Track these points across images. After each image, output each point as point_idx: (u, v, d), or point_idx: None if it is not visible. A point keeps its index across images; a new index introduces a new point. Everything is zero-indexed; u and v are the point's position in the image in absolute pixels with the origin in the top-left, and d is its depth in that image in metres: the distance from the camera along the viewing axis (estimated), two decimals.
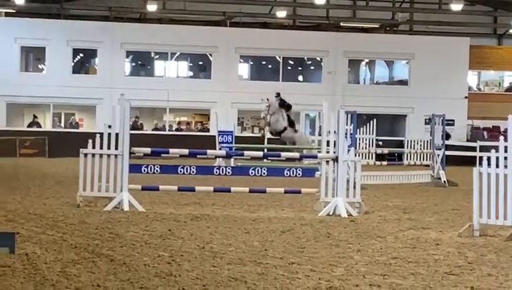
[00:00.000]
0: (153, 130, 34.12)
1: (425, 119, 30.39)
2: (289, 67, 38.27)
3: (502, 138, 11.45)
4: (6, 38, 32.40)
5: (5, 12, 33.17)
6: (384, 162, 22.15)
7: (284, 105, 20.71)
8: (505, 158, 10.62)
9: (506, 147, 10.58)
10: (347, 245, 9.54)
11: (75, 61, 35.03)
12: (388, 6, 38.54)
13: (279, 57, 37.71)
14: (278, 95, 20.69)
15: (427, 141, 21.90)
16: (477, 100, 37.02)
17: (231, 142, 25.30)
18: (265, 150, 22.31)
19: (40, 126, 33.29)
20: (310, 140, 24.16)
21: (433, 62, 36.37)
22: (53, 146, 30.37)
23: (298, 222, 11.65)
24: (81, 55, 35.97)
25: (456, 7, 35.53)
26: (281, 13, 36.21)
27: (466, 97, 36.11)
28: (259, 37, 35.74)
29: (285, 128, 20.54)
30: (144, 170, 13.75)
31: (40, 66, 35.55)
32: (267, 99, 20.53)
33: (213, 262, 7.68)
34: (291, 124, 20.95)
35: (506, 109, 27.26)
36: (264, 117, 20.67)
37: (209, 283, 6.65)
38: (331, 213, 12.56)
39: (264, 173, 14.90)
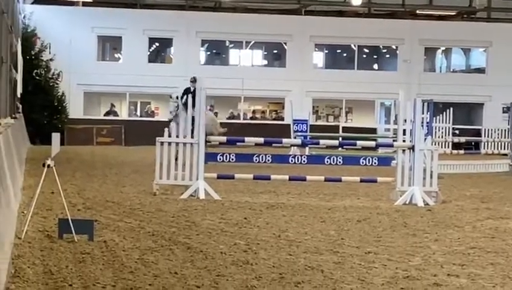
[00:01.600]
0: (227, 118, 33.85)
1: (503, 108, 28.90)
2: (364, 56, 37.52)
3: None
4: (84, 28, 32.58)
5: (82, 2, 33.47)
6: (461, 151, 21.41)
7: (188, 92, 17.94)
8: None
9: None
10: (424, 235, 9.42)
11: (150, 50, 35.52)
12: None
13: (354, 45, 36.98)
14: (194, 80, 18.68)
15: (505, 130, 21.13)
16: None
17: (306, 131, 25.01)
18: (341, 138, 22.08)
19: (116, 115, 33.61)
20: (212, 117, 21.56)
21: None
22: (129, 135, 30.74)
23: (374, 211, 11.55)
24: (157, 44, 36.22)
25: None
26: (356, 1, 35.46)
27: None
28: (334, 25, 35.09)
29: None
30: (220, 159, 13.97)
31: (116, 55, 35.99)
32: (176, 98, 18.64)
33: (289, 251, 7.72)
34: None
35: None
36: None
37: (285, 272, 6.69)
38: (407, 202, 12.45)
39: (339, 162, 14.92)
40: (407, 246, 8.27)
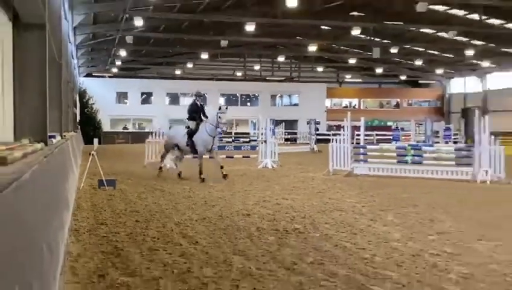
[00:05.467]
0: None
1: (307, 121, 40.69)
2: (242, 99, 66.35)
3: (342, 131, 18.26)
4: (109, 88, 55.96)
5: (108, 76, 56.20)
6: (289, 142, 39.32)
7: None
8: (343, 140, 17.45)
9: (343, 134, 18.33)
10: (271, 181, 15.75)
11: (142, 98, 58.74)
12: None
13: (238, 94, 58.82)
14: (200, 95, 17.08)
15: (308, 132, 37.92)
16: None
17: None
18: (234, 136, 32.15)
19: (127, 129, 55.71)
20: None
21: None
22: (133, 138, 47.46)
23: (248, 169, 18.30)
24: (145, 95, 59.21)
25: None
26: (239, 72, 46.12)
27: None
28: (229, 85, 60.73)
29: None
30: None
31: (125, 101, 58.90)
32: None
33: (210, 191, 12.53)
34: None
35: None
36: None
37: (208, 200, 11.71)
38: (264, 166, 20.40)
39: (232, 149, 25.87)
40: (264, 186, 13.82)
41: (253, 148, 24.63)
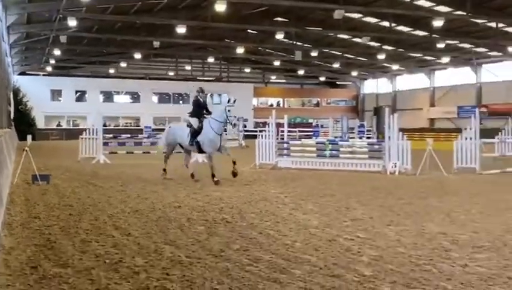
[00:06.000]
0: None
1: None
2: (175, 97, 63.92)
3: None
4: (44, 86, 54.07)
5: (43, 74, 54.54)
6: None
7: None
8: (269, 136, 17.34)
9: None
10: (202, 174, 15.15)
11: (76, 96, 57.06)
12: None
13: (170, 92, 57.90)
14: (202, 91, 14.64)
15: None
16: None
17: (151, 130, 36.88)
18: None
19: (60, 126, 54.74)
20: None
21: None
22: (67, 135, 48.01)
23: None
24: (79, 93, 57.18)
25: None
26: (171, 72, 46.16)
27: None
28: (159, 84, 59.92)
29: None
30: (110, 144, 19.40)
31: (60, 98, 56.50)
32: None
33: (143, 184, 12.22)
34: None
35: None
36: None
37: (139, 193, 11.25)
38: (198, 161, 19.55)
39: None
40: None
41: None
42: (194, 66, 55.88)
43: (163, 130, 58.23)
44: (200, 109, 14.16)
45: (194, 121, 14.05)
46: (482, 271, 5.48)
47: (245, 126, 39.40)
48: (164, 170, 14.36)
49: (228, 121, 13.76)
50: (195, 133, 13.92)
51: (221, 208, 9.41)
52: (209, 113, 14.21)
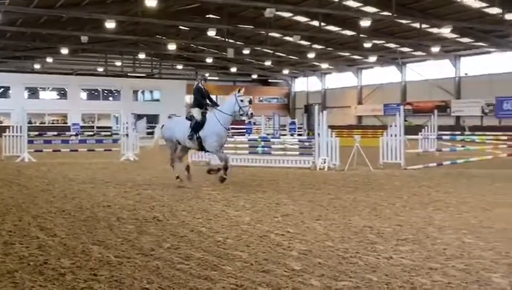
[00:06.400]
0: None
1: (168, 116, 42.69)
2: (104, 94, 65.47)
3: None
4: None
5: None
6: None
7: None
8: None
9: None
10: (134, 172, 15.10)
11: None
12: None
13: (100, 89, 62.69)
14: (205, 79, 12.80)
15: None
16: None
17: (79, 127, 36.77)
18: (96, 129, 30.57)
19: None
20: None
21: None
22: None
23: (112, 162, 15.59)
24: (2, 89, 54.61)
25: None
26: (100, 68, 45.83)
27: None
28: (90, 79, 57.73)
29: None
30: (35, 142, 18.98)
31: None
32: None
33: (70, 183, 11.85)
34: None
35: None
36: None
37: (66, 192, 10.89)
38: (126, 159, 19.26)
39: (93, 142, 23.38)
40: (125, 178, 12.58)
41: (115, 141, 23.82)
42: (124, 62, 54.63)
43: (92, 127, 57.31)
44: (202, 99, 12.32)
45: (196, 112, 12.19)
46: (406, 263, 5.70)
47: None
48: (177, 177, 12.28)
49: (243, 113, 12.06)
50: (197, 125, 12.06)
51: (152, 207, 9.28)
52: (214, 104, 12.51)
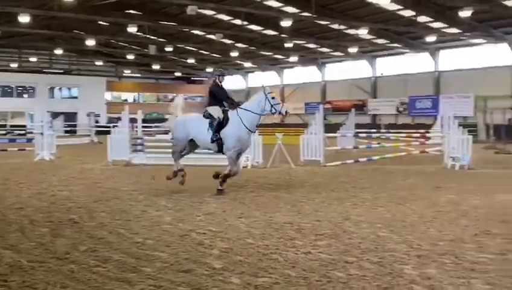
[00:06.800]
0: None
1: (87, 114, 42.64)
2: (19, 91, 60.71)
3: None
4: None
5: None
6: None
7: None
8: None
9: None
10: (49, 173, 14.71)
11: None
12: None
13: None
14: (223, 74, 11.77)
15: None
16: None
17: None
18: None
19: None
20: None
21: None
22: None
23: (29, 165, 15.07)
24: None
25: None
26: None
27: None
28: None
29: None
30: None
31: None
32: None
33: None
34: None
35: None
36: None
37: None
38: (41, 159, 18.86)
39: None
40: (40, 179, 11.93)
41: (30, 140, 22.69)
42: (40, 58, 52.08)
43: (4, 126, 54.55)
44: (220, 97, 11.13)
45: (216, 111, 10.88)
46: (323, 257, 5.85)
47: (97, 121, 38.05)
48: (175, 174, 11.28)
49: (275, 111, 10.77)
50: (219, 125, 10.77)
51: (68, 208, 8.95)
52: (234, 103, 11.16)
